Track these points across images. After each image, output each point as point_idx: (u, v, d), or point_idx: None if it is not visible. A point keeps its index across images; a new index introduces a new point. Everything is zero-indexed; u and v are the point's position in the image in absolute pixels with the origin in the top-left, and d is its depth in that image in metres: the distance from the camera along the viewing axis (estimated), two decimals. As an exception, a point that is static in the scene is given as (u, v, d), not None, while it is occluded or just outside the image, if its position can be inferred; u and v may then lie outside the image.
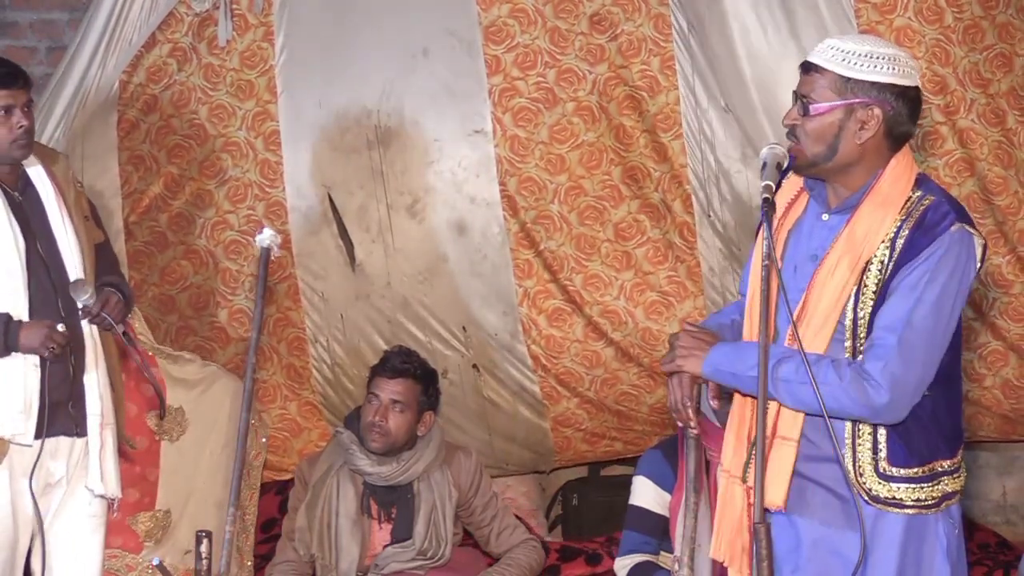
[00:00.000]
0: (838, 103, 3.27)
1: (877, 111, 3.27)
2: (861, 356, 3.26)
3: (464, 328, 5.49)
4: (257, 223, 5.24)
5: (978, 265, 3.31)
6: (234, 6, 5.36)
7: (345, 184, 5.45)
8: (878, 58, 3.28)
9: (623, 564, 4.96)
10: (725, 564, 3.47)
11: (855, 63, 3.27)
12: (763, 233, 3.24)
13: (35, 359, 4.13)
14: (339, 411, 5.49)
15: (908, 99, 3.30)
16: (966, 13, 5.03)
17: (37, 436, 4.13)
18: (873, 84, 3.26)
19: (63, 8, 6.45)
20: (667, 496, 4.94)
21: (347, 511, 4.91)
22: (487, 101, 5.33)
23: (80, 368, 4.25)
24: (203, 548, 3.52)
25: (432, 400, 5.04)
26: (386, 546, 4.96)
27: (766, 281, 3.17)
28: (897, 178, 3.32)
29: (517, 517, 5.39)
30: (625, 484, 5.20)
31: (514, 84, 5.31)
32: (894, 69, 3.28)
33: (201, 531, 3.55)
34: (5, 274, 4.16)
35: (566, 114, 5.32)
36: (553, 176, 5.35)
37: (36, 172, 4.31)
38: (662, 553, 4.96)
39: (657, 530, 4.95)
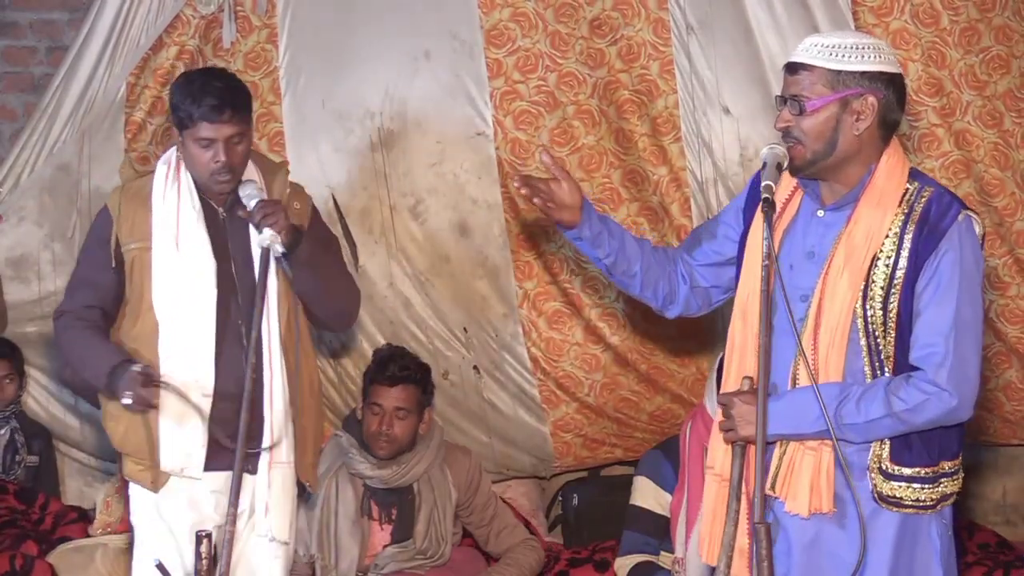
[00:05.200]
0: (832, 97, 3.29)
1: (871, 100, 3.29)
2: (914, 364, 3.29)
3: (465, 329, 5.51)
4: (261, 224, 5.26)
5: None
6: (238, 8, 5.37)
7: (349, 185, 5.47)
8: (864, 48, 3.30)
9: (623, 564, 4.98)
10: (708, 563, 3.51)
11: (843, 55, 3.29)
12: (763, 232, 3.27)
13: (206, 389, 3.96)
14: (341, 412, 5.50)
15: (897, 86, 3.33)
16: (962, 16, 5.04)
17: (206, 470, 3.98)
18: (864, 74, 3.28)
19: (63, 8, 6.47)
20: (668, 496, 4.96)
21: (346, 512, 4.92)
22: (488, 104, 5.35)
23: (259, 402, 3.97)
24: (203, 548, 3.52)
25: (430, 396, 5.06)
26: (386, 546, 4.98)
27: (766, 281, 3.20)
28: (892, 171, 3.34)
29: (517, 516, 5.41)
30: (625, 484, 5.21)
31: (515, 87, 5.33)
32: (880, 57, 3.31)
33: (201, 531, 3.54)
34: (194, 299, 3.98)
35: (566, 117, 5.34)
36: (553, 178, 5.37)
37: (253, 178, 4.06)
38: (662, 553, 4.97)
39: (658, 530, 4.96)
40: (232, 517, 3.61)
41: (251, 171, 4.05)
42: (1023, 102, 5.15)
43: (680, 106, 5.25)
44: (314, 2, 5.41)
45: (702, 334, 5.43)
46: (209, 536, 3.51)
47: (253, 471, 4.00)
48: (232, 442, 3.87)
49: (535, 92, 5.33)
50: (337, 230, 5.45)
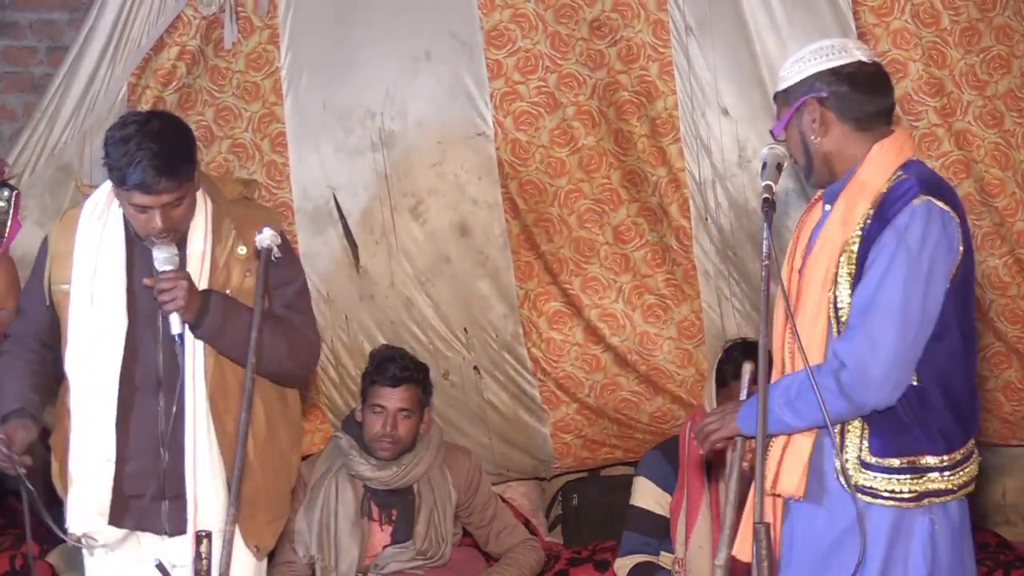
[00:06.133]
0: (787, 116, 3.44)
1: (813, 102, 3.40)
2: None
3: (466, 330, 5.51)
4: (263, 224, 5.25)
5: (958, 244, 3.34)
6: (239, 9, 5.37)
7: (350, 186, 5.47)
8: (800, 59, 3.45)
9: (623, 564, 5.01)
10: (740, 558, 3.51)
11: (785, 75, 3.47)
12: (764, 232, 3.34)
13: (108, 454, 3.79)
14: (342, 412, 5.51)
15: (845, 76, 3.41)
16: (963, 15, 5.03)
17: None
18: (802, 82, 3.42)
19: (63, 8, 6.49)
20: (668, 496, 4.99)
21: (346, 513, 4.93)
22: (488, 104, 5.35)
23: (179, 456, 3.80)
24: (203, 548, 3.52)
25: (429, 396, 5.07)
26: (386, 547, 4.98)
27: (765, 281, 3.23)
28: (878, 162, 3.41)
29: (517, 516, 5.42)
30: (625, 484, 5.24)
31: (515, 88, 5.32)
32: (817, 59, 3.43)
33: (201, 531, 3.52)
34: (101, 354, 3.79)
35: (566, 118, 5.33)
36: (553, 179, 5.37)
37: (199, 226, 3.83)
38: (662, 553, 5.00)
39: (658, 530, 4.99)
40: (232, 517, 3.57)
41: (200, 209, 3.84)
42: (1024, 102, 5.17)
43: (679, 107, 5.25)
44: (315, 3, 5.41)
45: (702, 335, 5.45)
46: (209, 536, 3.49)
47: (174, 531, 3.87)
48: (142, 500, 3.82)
49: (535, 93, 5.33)
50: (339, 230, 5.46)
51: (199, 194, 3.86)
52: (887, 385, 3.28)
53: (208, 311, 3.74)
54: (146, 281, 3.75)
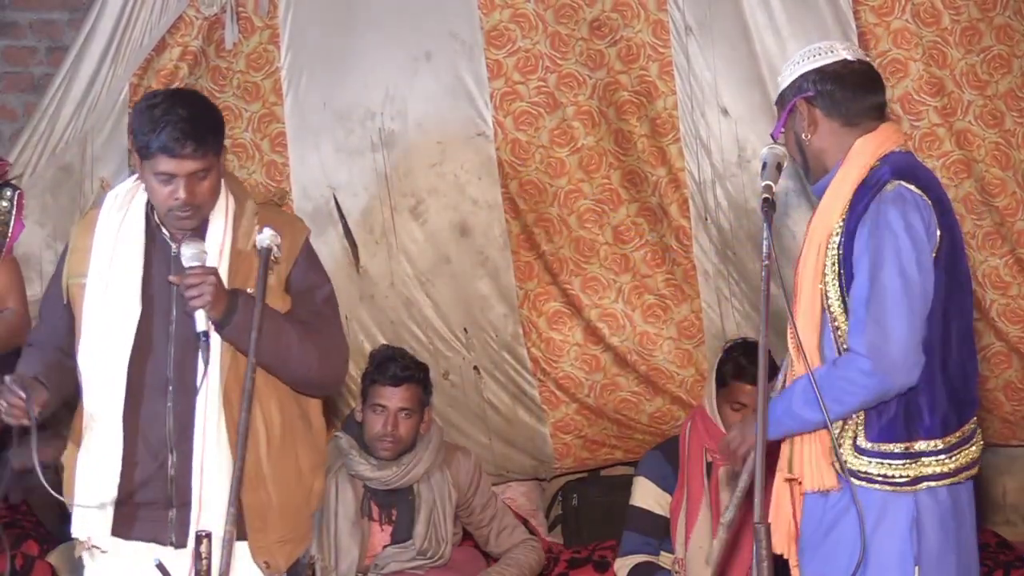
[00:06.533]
0: (782, 120, 3.53)
1: (800, 102, 3.48)
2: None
3: (466, 330, 5.52)
4: (263, 224, 5.25)
5: (935, 228, 3.37)
6: (240, 9, 5.38)
7: (350, 186, 5.47)
8: (791, 63, 3.54)
9: (623, 564, 5.01)
10: (785, 556, 3.57)
11: (780, 80, 3.57)
12: (764, 232, 3.36)
13: (115, 450, 3.67)
14: (341, 413, 5.51)
15: (830, 74, 3.48)
16: (963, 15, 5.03)
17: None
18: (791, 85, 3.51)
19: (63, 8, 6.49)
20: (668, 497, 4.99)
21: (346, 513, 4.93)
22: (488, 104, 5.35)
23: (187, 461, 3.67)
24: (203, 548, 3.50)
25: (429, 395, 5.07)
26: (386, 547, 4.98)
27: (765, 281, 3.25)
28: (859, 155, 3.46)
29: (516, 516, 5.42)
30: (625, 484, 5.24)
31: (515, 88, 5.33)
32: (804, 60, 3.51)
33: (201, 531, 3.49)
34: (109, 352, 3.68)
35: (566, 118, 5.34)
36: (553, 179, 5.38)
37: (218, 220, 3.72)
38: (662, 553, 5.00)
39: (658, 530, 4.99)
40: (232, 517, 3.55)
41: (220, 204, 3.74)
42: (1024, 101, 5.17)
43: (679, 107, 5.25)
44: (315, 3, 5.41)
45: (701, 335, 5.45)
46: (209, 536, 3.47)
47: (179, 543, 3.73)
48: (150, 508, 3.72)
49: (535, 93, 5.33)
50: (339, 230, 5.46)
51: (223, 189, 3.78)
52: (906, 366, 3.32)
53: (236, 310, 3.63)
54: (172, 278, 3.67)
